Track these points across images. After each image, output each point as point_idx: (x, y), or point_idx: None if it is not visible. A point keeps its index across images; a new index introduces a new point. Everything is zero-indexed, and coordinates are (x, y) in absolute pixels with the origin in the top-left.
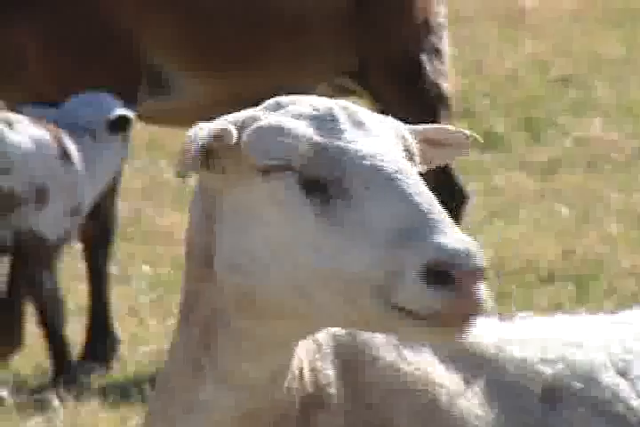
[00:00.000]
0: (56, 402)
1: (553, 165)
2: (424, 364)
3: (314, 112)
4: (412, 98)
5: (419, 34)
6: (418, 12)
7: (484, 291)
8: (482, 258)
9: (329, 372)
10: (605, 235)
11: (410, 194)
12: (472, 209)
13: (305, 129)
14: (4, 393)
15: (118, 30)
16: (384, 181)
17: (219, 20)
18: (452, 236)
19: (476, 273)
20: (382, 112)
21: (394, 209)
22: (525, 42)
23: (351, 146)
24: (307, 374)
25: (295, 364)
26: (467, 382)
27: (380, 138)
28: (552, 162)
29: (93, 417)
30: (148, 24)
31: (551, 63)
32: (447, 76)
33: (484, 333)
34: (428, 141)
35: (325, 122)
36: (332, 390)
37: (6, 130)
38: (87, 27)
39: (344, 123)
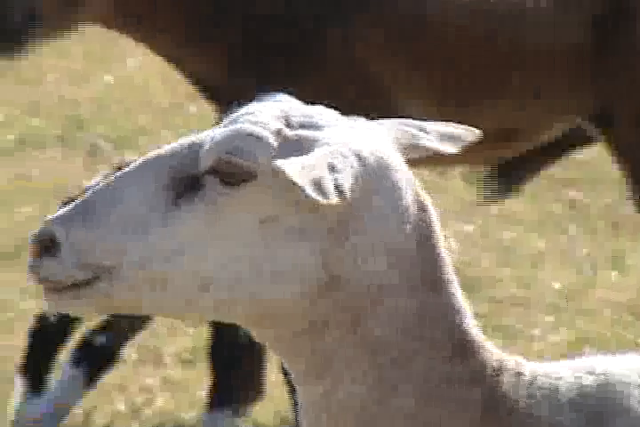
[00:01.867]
0: None
1: None
2: None
3: None
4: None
5: None
6: None
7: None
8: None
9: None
10: None
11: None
12: None
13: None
14: None
15: (381, 87)
16: None
17: (464, 66)
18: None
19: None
20: (621, 156)
21: None
22: None
23: None
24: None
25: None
26: None
27: None
28: None
29: None
30: (409, 81)
31: None
32: None
33: None
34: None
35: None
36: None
37: None
38: (356, 88)
39: None
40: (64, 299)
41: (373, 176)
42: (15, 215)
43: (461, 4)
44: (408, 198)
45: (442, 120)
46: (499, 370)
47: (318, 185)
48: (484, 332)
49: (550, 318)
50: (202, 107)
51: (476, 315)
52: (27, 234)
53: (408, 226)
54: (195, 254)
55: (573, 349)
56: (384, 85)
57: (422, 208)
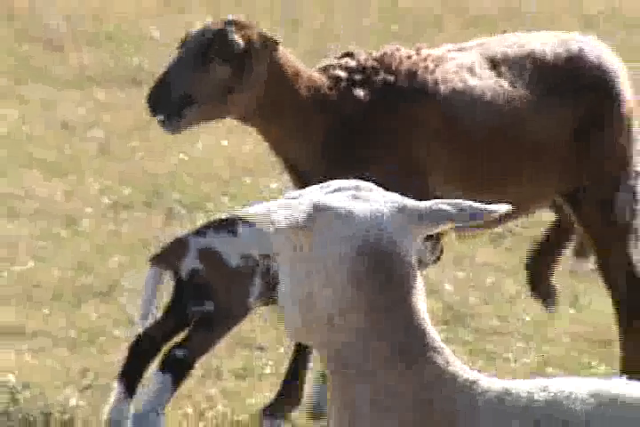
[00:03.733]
0: None
1: None
2: None
3: None
4: (606, 219)
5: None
6: (619, 160)
7: None
8: None
9: None
10: None
11: None
12: None
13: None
14: None
15: (424, 174)
16: None
17: (484, 153)
18: None
19: None
20: (584, 229)
21: None
22: None
23: None
24: None
25: None
26: None
27: None
28: None
29: None
30: (441, 166)
31: None
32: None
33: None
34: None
35: None
36: None
37: None
38: (406, 177)
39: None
40: None
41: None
42: (109, 263)
43: (489, 111)
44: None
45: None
46: (451, 381)
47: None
48: (470, 355)
49: (522, 344)
50: (255, 179)
51: (464, 342)
52: (118, 278)
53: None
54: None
55: (540, 369)
56: (426, 172)
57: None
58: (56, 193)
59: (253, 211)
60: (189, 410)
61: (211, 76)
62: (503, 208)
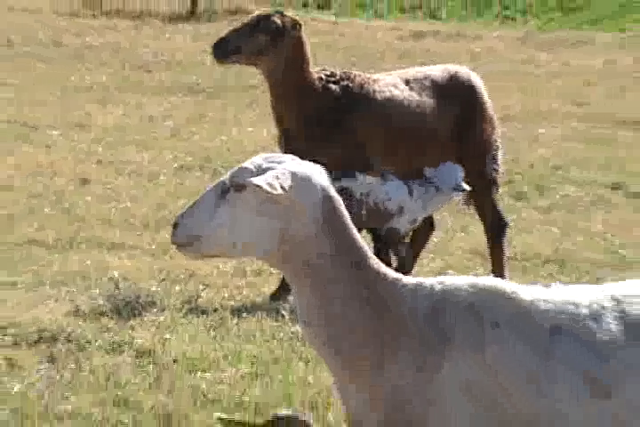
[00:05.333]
0: None
1: None
2: None
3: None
4: (479, 177)
5: (485, 151)
6: (486, 143)
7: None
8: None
9: None
10: None
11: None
12: None
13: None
14: None
15: (364, 151)
16: None
17: (402, 137)
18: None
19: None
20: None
21: None
22: None
23: None
24: None
25: None
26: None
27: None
28: None
29: None
30: (376, 147)
31: None
32: (497, 167)
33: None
34: None
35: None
36: None
37: (383, 182)
38: (354, 154)
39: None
40: (182, 251)
41: (301, 182)
42: (177, 203)
43: (405, 111)
44: (318, 196)
45: (393, 169)
46: (385, 279)
47: (269, 184)
48: None
49: (432, 255)
50: (272, 152)
51: None
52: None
53: (319, 211)
54: (227, 226)
55: (442, 271)
56: (365, 151)
57: (329, 200)
58: (144, 160)
59: (256, 182)
60: (226, 294)
61: (254, 41)
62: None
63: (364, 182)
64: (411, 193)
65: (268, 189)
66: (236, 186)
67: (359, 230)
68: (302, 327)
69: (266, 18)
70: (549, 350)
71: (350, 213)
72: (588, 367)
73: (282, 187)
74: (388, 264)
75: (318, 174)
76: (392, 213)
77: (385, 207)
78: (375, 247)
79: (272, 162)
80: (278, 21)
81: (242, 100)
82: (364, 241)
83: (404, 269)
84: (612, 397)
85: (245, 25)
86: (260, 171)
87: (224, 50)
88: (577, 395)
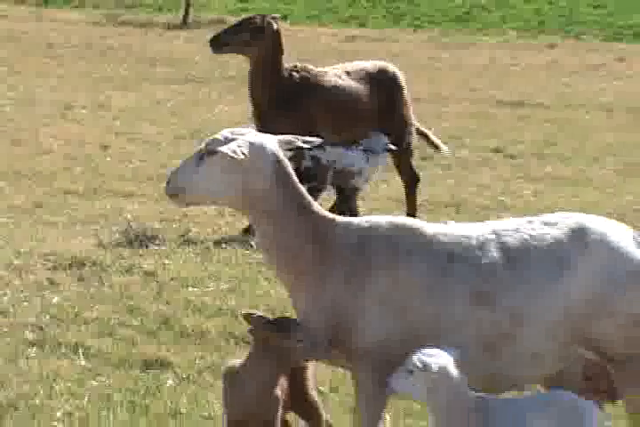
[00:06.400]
0: None
1: None
2: None
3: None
4: (399, 144)
5: (405, 125)
6: (405, 118)
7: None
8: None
9: None
10: None
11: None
12: None
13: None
14: None
15: (315, 126)
16: None
17: (344, 114)
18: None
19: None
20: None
21: None
22: None
23: None
24: None
25: None
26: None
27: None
28: None
29: None
30: (324, 122)
31: None
32: (412, 136)
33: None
34: None
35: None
36: None
37: (346, 151)
38: (307, 128)
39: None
40: (172, 200)
41: (256, 149)
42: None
43: (346, 94)
44: (271, 159)
45: (337, 138)
46: (323, 218)
47: (233, 151)
48: None
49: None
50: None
51: None
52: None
53: (271, 170)
54: (204, 181)
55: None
56: (317, 124)
57: (278, 162)
58: (151, 132)
59: (224, 150)
60: (209, 230)
61: (240, 36)
62: (317, 141)
63: (331, 152)
64: (367, 160)
65: (232, 155)
66: (210, 152)
67: (330, 186)
68: (262, 253)
69: (249, 18)
70: (446, 271)
71: (318, 174)
72: (474, 283)
73: (242, 153)
74: (344, 212)
75: (271, 143)
76: (354, 174)
77: (349, 171)
78: (337, 199)
79: (236, 134)
80: (258, 20)
81: (224, 87)
82: (306, 191)
83: (354, 213)
84: (493, 304)
85: (233, 25)
86: (228, 141)
87: (217, 44)
88: (466, 303)
